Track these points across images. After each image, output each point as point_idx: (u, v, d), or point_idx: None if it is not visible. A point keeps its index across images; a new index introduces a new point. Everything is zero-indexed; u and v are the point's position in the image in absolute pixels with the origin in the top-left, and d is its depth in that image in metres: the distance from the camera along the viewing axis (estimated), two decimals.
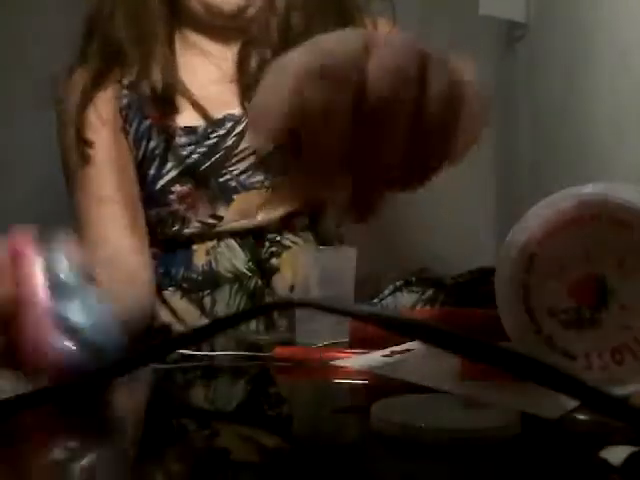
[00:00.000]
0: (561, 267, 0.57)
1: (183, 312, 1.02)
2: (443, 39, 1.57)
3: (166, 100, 1.02)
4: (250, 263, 1.02)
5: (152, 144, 1.03)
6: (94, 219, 1.01)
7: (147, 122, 1.03)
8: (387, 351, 0.68)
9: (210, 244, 1.03)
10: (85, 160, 1.02)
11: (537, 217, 0.57)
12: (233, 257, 1.02)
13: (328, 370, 0.69)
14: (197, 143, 1.02)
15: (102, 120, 1.03)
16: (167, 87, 1.02)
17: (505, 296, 0.58)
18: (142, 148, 1.03)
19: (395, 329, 0.40)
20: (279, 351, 0.73)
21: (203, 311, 1.01)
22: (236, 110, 1.04)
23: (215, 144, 1.03)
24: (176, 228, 1.04)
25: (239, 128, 1.03)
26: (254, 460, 0.46)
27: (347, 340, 0.78)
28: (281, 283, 1.03)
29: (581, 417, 0.50)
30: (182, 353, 0.74)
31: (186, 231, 1.03)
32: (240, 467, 0.44)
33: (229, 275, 1.01)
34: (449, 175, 1.57)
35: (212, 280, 1.02)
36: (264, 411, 0.60)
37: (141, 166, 1.04)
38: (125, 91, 1.05)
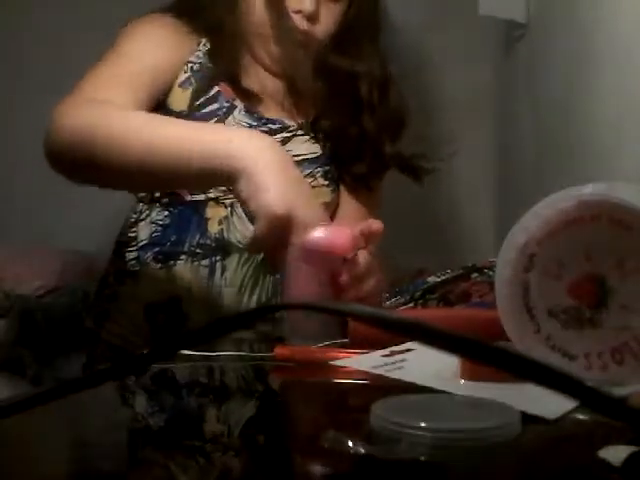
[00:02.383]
0: (561, 267, 0.57)
1: (193, 280, 1.07)
2: (443, 39, 1.58)
3: (240, 83, 1.13)
4: None
5: (214, 106, 1.11)
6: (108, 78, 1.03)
7: (216, 88, 1.12)
8: (387, 351, 0.68)
9: (223, 214, 1.10)
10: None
11: (537, 217, 0.57)
12: (244, 229, 1.08)
13: (328, 370, 0.69)
14: (251, 125, 1.12)
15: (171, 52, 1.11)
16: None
17: (505, 296, 0.58)
18: (201, 104, 1.11)
19: (395, 329, 0.40)
20: (279, 351, 0.73)
21: (212, 276, 1.07)
22: (287, 120, 1.16)
23: (266, 132, 1.11)
24: None
25: (286, 134, 1.14)
26: (253, 460, 0.46)
27: (347, 340, 0.78)
28: None
29: (581, 417, 0.50)
30: (182, 353, 0.74)
31: (211, 191, 1.10)
32: (237, 469, 0.45)
33: (240, 245, 1.08)
34: (449, 175, 1.57)
35: (224, 248, 1.08)
36: (264, 411, 0.60)
37: (191, 117, 1.10)
38: (200, 52, 1.13)
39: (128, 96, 1.00)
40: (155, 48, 1.09)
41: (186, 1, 1.17)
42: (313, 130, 1.17)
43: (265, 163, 0.81)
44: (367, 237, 0.83)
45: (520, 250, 0.57)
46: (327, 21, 1.12)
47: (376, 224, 0.83)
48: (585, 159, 1.10)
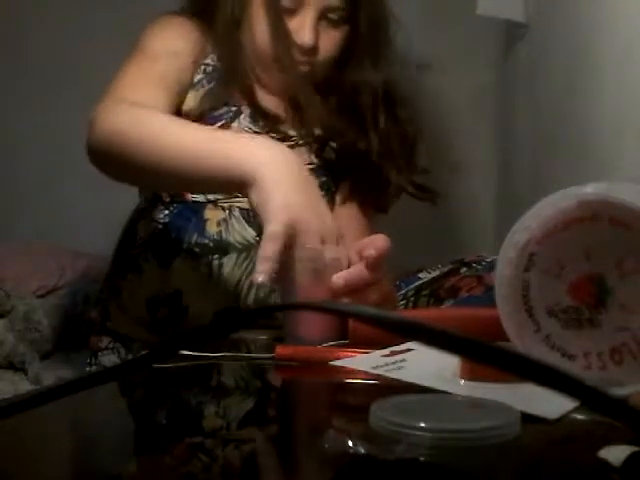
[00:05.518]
0: (561, 267, 0.57)
1: (193, 276, 1.10)
2: (443, 39, 1.58)
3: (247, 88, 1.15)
4: (257, 238, 1.10)
5: (222, 110, 1.14)
6: (141, 75, 1.07)
7: (225, 92, 1.15)
8: (387, 351, 0.68)
9: (221, 216, 1.12)
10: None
11: (537, 217, 0.57)
12: (243, 230, 1.11)
13: (328, 370, 0.69)
14: (254, 132, 1.14)
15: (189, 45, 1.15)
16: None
17: (505, 296, 0.58)
18: (210, 107, 1.14)
19: (395, 329, 0.40)
20: (279, 351, 0.73)
21: (211, 274, 1.09)
22: (289, 130, 1.17)
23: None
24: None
25: (288, 143, 1.13)
26: (252, 460, 0.46)
27: (347, 340, 0.78)
28: None
29: (581, 417, 0.50)
30: (182, 353, 0.74)
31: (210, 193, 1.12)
32: (238, 467, 0.45)
33: (238, 245, 1.10)
34: (449, 175, 1.57)
35: (222, 247, 1.11)
36: (264, 411, 0.60)
37: (199, 119, 1.12)
38: (215, 55, 1.17)
39: (158, 96, 1.05)
40: (178, 48, 1.13)
41: (196, 7, 1.19)
42: (320, 146, 1.18)
43: (275, 172, 0.83)
44: (372, 260, 0.80)
45: (520, 250, 0.57)
46: (328, 48, 1.14)
47: (381, 241, 0.82)
48: (585, 159, 1.10)
